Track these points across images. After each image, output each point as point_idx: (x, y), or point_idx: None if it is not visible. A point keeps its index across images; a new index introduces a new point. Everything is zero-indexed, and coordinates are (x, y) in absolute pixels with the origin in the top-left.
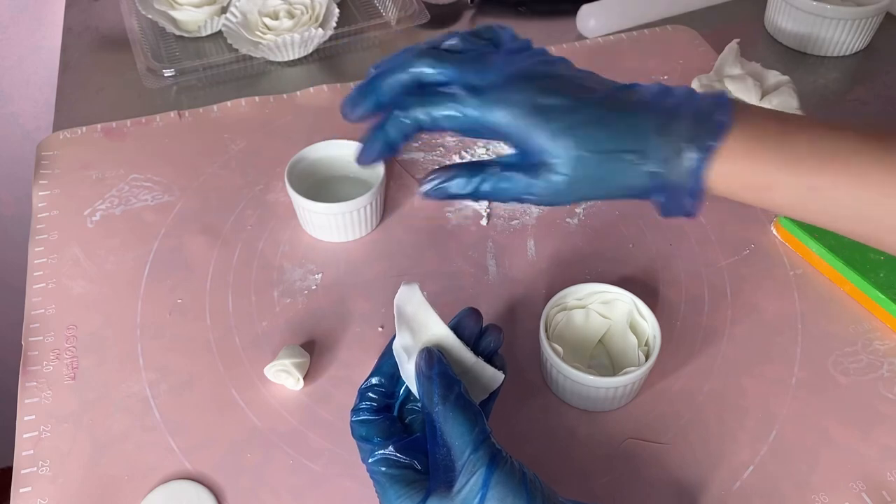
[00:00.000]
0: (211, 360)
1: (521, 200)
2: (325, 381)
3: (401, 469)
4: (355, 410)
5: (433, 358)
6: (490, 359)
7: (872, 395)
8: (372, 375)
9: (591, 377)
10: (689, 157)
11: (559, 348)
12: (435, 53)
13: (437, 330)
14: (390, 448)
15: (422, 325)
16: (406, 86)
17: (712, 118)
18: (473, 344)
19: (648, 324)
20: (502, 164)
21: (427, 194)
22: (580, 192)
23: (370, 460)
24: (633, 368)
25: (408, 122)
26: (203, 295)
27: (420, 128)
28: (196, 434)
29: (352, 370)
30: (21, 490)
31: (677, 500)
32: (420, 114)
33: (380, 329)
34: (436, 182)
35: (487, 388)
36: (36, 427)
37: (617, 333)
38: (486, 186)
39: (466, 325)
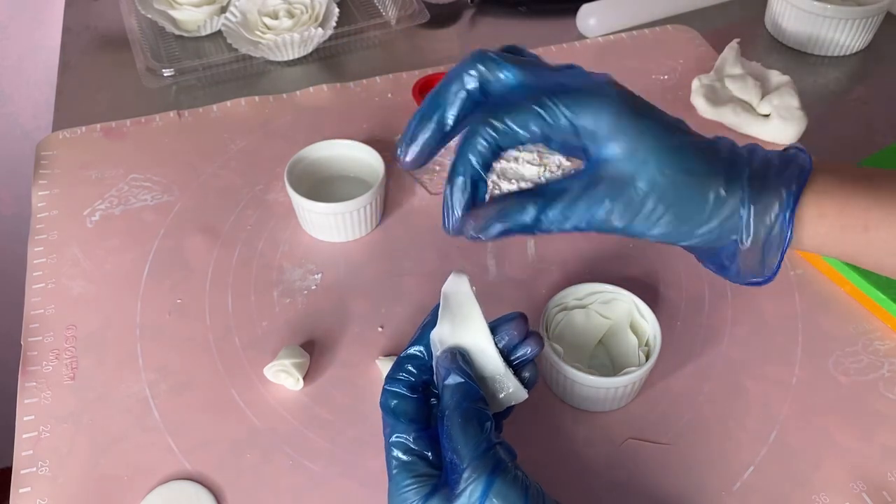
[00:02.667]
0: (210, 360)
1: (592, 226)
2: (325, 381)
3: (413, 458)
4: (391, 380)
5: (455, 363)
6: (523, 367)
7: (873, 396)
8: (411, 345)
9: (591, 377)
10: (777, 202)
11: (559, 348)
12: (494, 57)
13: (476, 331)
14: (411, 436)
15: (463, 321)
16: (471, 97)
17: (794, 163)
18: (512, 349)
19: (649, 324)
20: (571, 185)
21: (482, 234)
22: (657, 215)
23: (389, 440)
24: (633, 368)
25: (486, 142)
26: (202, 295)
27: (499, 147)
28: (196, 434)
29: (352, 370)
30: (21, 490)
31: (678, 500)
32: (500, 127)
33: (379, 329)
34: (490, 216)
35: (509, 400)
36: (35, 427)
37: (617, 333)
38: (552, 212)
39: (507, 331)
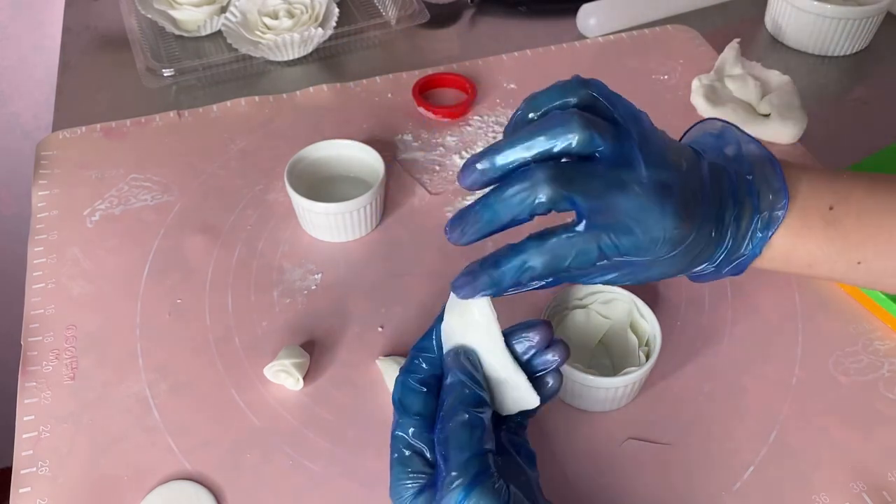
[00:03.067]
0: (210, 360)
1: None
2: (325, 381)
3: (411, 453)
4: (403, 371)
5: (458, 363)
6: (546, 374)
7: (873, 396)
8: (423, 336)
9: (591, 377)
10: (745, 255)
11: None
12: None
13: (487, 331)
14: (410, 430)
15: (474, 319)
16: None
17: (772, 211)
18: (531, 356)
19: (649, 324)
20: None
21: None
22: (658, 256)
23: (394, 432)
24: (633, 368)
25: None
26: (202, 295)
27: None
28: (196, 434)
29: (352, 370)
30: (21, 490)
31: (678, 500)
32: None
33: (379, 329)
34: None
35: (518, 404)
36: (35, 427)
37: (617, 333)
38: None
39: (527, 336)
